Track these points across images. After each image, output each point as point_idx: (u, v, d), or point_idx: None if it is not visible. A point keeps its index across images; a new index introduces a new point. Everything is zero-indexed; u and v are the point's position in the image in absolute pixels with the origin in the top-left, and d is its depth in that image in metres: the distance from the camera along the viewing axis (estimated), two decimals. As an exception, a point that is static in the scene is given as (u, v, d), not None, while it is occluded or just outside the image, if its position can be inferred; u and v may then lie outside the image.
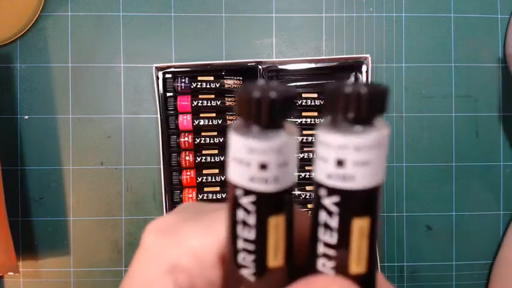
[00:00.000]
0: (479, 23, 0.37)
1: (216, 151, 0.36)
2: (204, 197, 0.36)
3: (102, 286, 0.36)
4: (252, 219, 0.12)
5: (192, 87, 0.35)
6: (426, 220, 0.37)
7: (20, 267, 0.36)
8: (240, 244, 0.13)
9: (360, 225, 0.12)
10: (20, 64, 0.36)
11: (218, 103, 0.36)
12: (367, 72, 0.35)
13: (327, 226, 0.12)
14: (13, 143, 0.36)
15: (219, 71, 0.35)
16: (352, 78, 0.36)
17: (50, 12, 0.36)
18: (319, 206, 0.12)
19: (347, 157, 0.11)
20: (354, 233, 0.12)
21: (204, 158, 0.36)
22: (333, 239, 0.12)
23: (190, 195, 0.36)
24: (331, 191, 0.12)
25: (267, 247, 0.12)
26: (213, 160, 0.36)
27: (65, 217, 0.36)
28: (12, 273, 0.34)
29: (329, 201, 0.12)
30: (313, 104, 0.36)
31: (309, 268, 0.13)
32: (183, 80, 0.35)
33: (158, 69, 0.35)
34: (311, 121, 0.36)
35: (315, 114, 0.36)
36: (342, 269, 0.12)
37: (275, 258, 0.13)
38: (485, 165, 0.37)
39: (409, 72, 0.37)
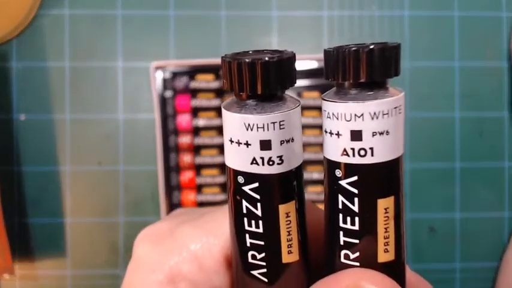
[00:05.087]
0: (484, 21, 0.36)
1: (215, 152, 0.35)
2: (203, 199, 0.35)
3: (100, 289, 0.36)
4: (258, 209, 0.11)
5: (191, 86, 0.35)
6: (429, 221, 0.37)
7: (16, 269, 0.36)
8: (248, 240, 0.11)
9: (384, 206, 0.10)
10: (16, 64, 0.36)
11: (218, 103, 0.35)
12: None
13: (346, 211, 0.11)
14: (9, 143, 0.36)
15: (218, 70, 0.35)
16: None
17: (46, 11, 0.36)
18: (335, 189, 0.11)
19: (363, 127, 0.10)
20: (378, 216, 0.10)
21: (203, 158, 0.35)
22: (355, 225, 0.11)
23: (190, 197, 0.35)
24: (348, 170, 0.10)
25: (280, 240, 0.11)
26: (212, 161, 0.35)
27: (61, 218, 0.36)
28: (8, 276, 0.34)
29: (346, 182, 0.10)
30: (314, 104, 0.35)
31: (329, 262, 0.11)
32: (182, 79, 0.35)
33: (157, 68, 0.35)
34: (313, 121, 0.35)
35: (316, 113, 0.35)
36: (368, 258, 0.11)
37: (290, 252, 0.11)
38: (489, 165, 0.37)
39: (411, 71, 0.36)
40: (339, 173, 0.10)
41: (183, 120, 0.35)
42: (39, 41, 0.36)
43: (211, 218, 0.13)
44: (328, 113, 0.10)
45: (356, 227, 0.11)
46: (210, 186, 0.35)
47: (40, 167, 0.36)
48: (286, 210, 0.11)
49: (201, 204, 0.35)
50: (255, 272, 0.11)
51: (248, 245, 0.11)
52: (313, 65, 0.35)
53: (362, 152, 0.10)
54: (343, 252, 0.11)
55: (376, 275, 0.11)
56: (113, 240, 0.36)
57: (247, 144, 0.10)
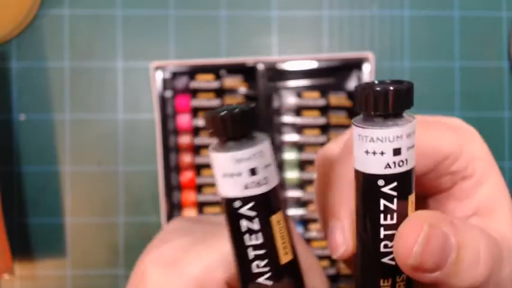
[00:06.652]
0: (484, 21, 0.36)
1: (215, 151, 0.35)
2: (203, 199, 0.35)
3: (100, 289, 0.36)
4: (256, 225, 0.13)
5: (191, 86, 0.35)
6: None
7: (16, 269, 0.36)
8: (251, 253, 0.13)
9: (412, 200, 0.14)
10: (15, 64, 0.35)
11: (218, 103, 0.35)
12: (370, 70, 0.34)
13: (386, 211, 0.13)
14: (9, 143, 0.36)
15: (218, 70, 0.35)
16: (354, 78, 0.35)
17: (46, 11, 0.35)
18: (377, 195, 0.13)
19: (402, 145, 0.13)
20: (410, 208, 0.13)
21: (203, 158, 0.35)
22: (393, 221, 0.13)
23: (190, 197, 0.35)
24: (390, 179, 0.13)
25: (276, 245, 0.13)
26: (212, 161, 0.35)
27: (61, 219, 0.36)
28: (8, 276, 0.34)
29: (388, 188, 0.13)
30: (314, 104, 0.35)
31: (371, 255, 0.14)
32: (182, 79, 0.35)
33: (157, 68, 0.35)
34: (313, 121, 0.35)
35: (316, 113, 0.35)
36: None
37: (285, 254, 0.14)
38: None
39: (412, 70, 0.36)
40: (381, 183, 0.13)
41: (183, 120, 0.35)
42: (39, 41, 0.36)
43: (215, 240, 0.15)
44: (372, 138, 0.13)
45: (394, 221, 0.13)
46: (210, 186, 0.35)
47: (40, 167, 0.36)
48: (277, 219, 0.13)
49: (202, 204, 0.35)
50: (260, 279, 0.14)
51: (251, 257, 0.13)
52: (313, 65, 0.35)
53: (401, 163, 0.13)
54: (383, 243, 0.14)
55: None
56: (113, 240, 0.36)
57: (239, 174, 0.13)
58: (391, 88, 0.13)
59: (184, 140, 0.35)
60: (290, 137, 0.35)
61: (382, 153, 0.13)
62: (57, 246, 0.36)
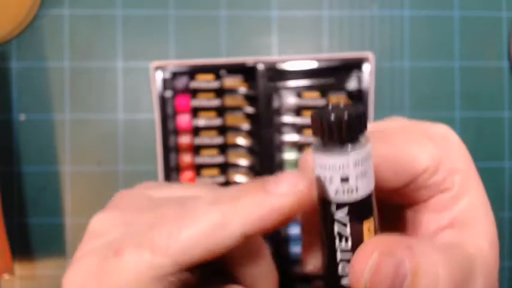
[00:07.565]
0: (484, 21, 0.36)
1: (215, 152, 0.35)
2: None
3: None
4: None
5: (191, 86, 0.35)
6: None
7: (16, 269, 0.36)
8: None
9: (368, 226, 0.14)
10: (15, 64, 0.35)
11: (218, 103, 0.35)
12: (370, 70, 0.34)
13: (340, 235, 0.13)
14: (8, 143, 0.36)
15: (218, 70, 0.35)
16: (354, 78, 0.35)
17: (46, 11, 0.35)
18: (331, 220, 0.14)
19: (349, 173, 0.13)
20: (365, 235, 0.13)
21: (203, 158, 0.35)
22: (348, 245, 0.13)
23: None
24: (340, 205, 0.13)
25: None
26: (212, 161, 0.35)
27: (61, 219, 0.36)
28: (8, 276, 0.34)
29: (340, 214, 0.13)
30: (314, 104, 0.35)
31: (330, 275, 0.14)
32: (182, 79, 0.35)
33: (157, 68, 0.35)
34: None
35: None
36: None
37: None
38: (489, 165, 0.37)
39: (412, 70, 0.36)
40: (333, 208, 0.13)
41: (183, 120, 0.35)
42: (39, 41, 0.36)
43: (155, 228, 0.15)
44: (320, 164, 0.13)
45: (348, 246, 0.13)
46: (210, 186, 0.35)
47: (40, 167, 0.36)
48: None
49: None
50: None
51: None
52: (313, 65, 0.35)
53: (350, 190, 0.13)
54: (340, 266, 0.14)
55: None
56: (113, 240, 0.36)
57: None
58: (333, 119, 0.13)
59: (184, 140, 0.35)
60: (290, 137, 0.35)
61: (330, 180, 0.13)
62: (57, 246, 0.36)
